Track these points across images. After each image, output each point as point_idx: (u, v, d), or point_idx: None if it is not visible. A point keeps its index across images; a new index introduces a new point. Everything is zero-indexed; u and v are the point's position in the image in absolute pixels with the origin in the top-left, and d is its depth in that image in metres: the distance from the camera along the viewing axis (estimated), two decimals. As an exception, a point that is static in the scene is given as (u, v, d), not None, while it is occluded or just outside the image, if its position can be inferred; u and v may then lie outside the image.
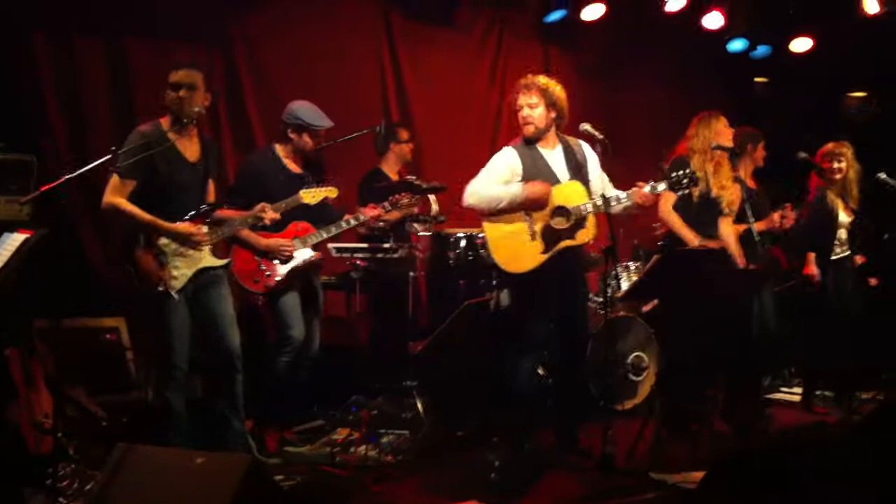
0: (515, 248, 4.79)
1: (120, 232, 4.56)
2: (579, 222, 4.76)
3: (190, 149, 4.58)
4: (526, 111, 4.86)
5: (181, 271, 4.48)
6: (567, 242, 4.77)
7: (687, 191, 4.88)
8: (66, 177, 4.07)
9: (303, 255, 5.19)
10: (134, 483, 3.40)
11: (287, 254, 5.13)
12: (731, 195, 5.50)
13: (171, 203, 4.49)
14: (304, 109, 5.25)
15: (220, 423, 4.68)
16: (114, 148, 4.25)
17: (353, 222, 5.32)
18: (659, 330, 5.77)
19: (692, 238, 5.37)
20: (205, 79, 4.55)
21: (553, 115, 4.87)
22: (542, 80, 4.87)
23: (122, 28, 6.09)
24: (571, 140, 4.96)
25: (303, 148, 5.29)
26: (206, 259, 4.57)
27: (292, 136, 5.27)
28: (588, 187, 4.84)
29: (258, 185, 5.10)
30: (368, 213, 5.37)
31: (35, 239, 4.14)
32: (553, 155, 4.91)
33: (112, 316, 5.56)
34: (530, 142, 4.90)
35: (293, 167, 5.33)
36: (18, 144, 5.35)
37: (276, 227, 5.10)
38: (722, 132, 5.47)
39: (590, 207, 4.72)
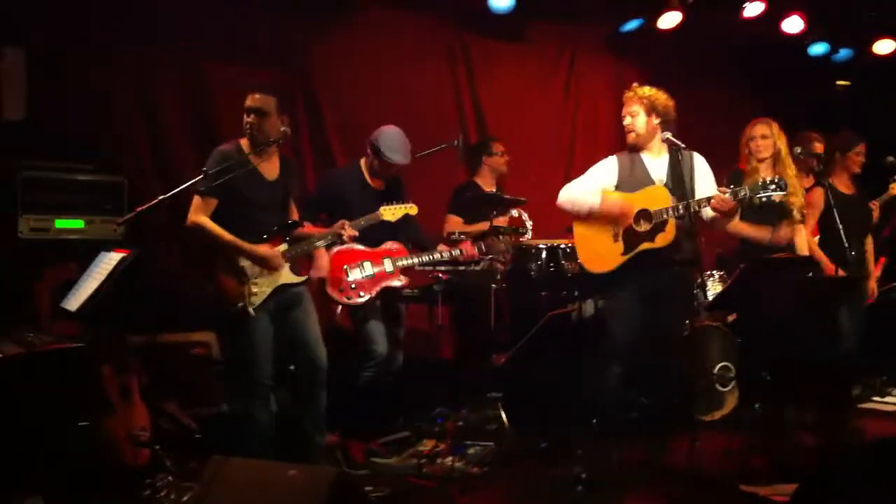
0: (598, 248, 4.87)
1: (202, 250, 4.64)
2: (659, 225, 4.73)
3: (269, 167, 4.66)
4: (627, 120, 4.93)
5: (260, 289, 4.54)
6: (646, 245, 4.75)
7: (770, 197, 4.79)
8: (160, 198, 4.22)
9: (391, 277, 5.28)
10: (229, 494, 3.48)
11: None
12: (799, 201, 5.46)
13: (250, 220, 4.56)
14: (385, 137, 5.33)
15: (302, 437, 4.73)
16: (204, 169, 4.39)
17: (446, 256, 5.39)
18: (745, 340, 5.67)
19: (763, 235, 5.40)
20: (278, 103, 4.61)
21: (656, 121, 4.86)
22: (645, 89, 4.91)
23: (203, 52, 6.25)
24: (687, 152, 4.90)
25: (376, 170, 5.40)
26: (285, 276, 4.63)
27: (371, 155, 5.38)
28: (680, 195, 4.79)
29: (338, 197, 5.20)
30: (466, 251, 5.42)
31: (131, 258, 4.29)
32: (656, 162, 4.90)
33: (202, 330, 5.70)
34: (634, 150, 4.93)
35: (376, 184, 5.41)
36: (107, 166, 5.55)
37: (370, 244, 5.18)
38: (756, 139, 5.43)
39: (671, 211, 4.69)
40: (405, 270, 5.39)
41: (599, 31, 8.04)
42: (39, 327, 4.36)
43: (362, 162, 5.49)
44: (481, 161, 6.62)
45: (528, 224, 6.30)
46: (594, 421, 4.85)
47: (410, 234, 5.46)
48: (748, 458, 4.75)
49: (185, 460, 4.50)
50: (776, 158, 5.45)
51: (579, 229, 4.96)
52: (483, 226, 5.99)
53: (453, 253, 5.41)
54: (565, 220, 5.16)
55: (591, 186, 4.89)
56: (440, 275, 5.94)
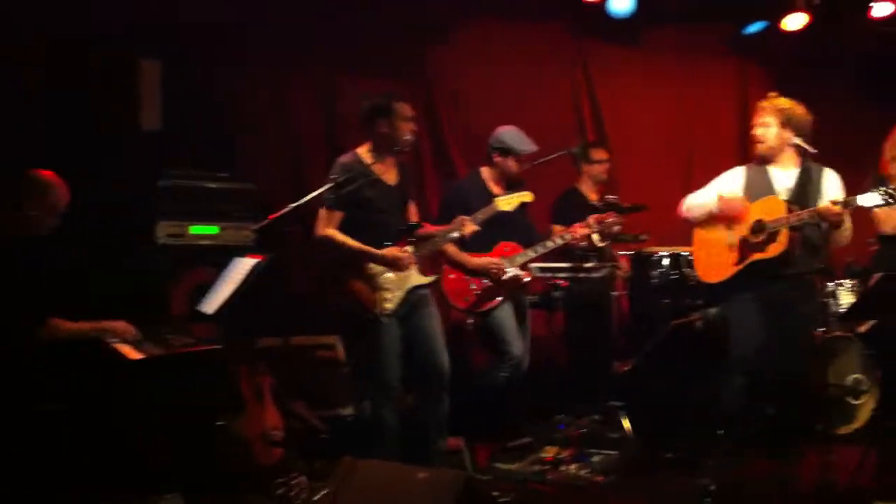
0: (712, 258, 4.84)
1: (333, 261, 4.75)
2: (772, 236, 4.62)
3: (388, 173, 4.76)
4: (759, 130, 4.82)
5: (393, 293, 4.62)
6: (757, 255, 4.66)
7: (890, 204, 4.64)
8: (291, 206, 4.36)
9: (513, 274, 5.29)
10: (359, 495, 3.56)
11: (496, 273, 5.25)
12: None
13: (375, 226, 4.66)
14: (509, 134, 5.41)
15: (424, 441, 4.77)
16: (334, 176, 4.51)
17: (559, 241, 5.38)
18: (879, 351, 5.48)
19: None
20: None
21: (788, 134, 4.75)
22: (781, 101, 4.80)
23: (331, 65, 6.41)
24: (823, 168, 4.80)
25: (507, 171, 5.44)
26: (414, 278, 4.71)
27: (497, 159, 5.43)
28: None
29: (463, 207, 5.25)
30: (577, 231, 5.39)
31: (263, 264, 4.43)
32: (784, 174, 4.79)
33: (328, 334, 5.82)
34: (763, 161, 4.83)
35: (497, 190, 5.45)
36: (240, 174, 5.74)
37: (485, 247, 5.23)
38: None
39: (783, 221, 4.58)
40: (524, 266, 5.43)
41: (722, 33, 7.87)
42: (177, 329, 4.52)
43: (483, 171, 5.55)
44: (581, 168, 6.57)
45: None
46: (720, 432, 4.75)
47: (533, 239, 5.47)
48: (883, 474, 4.58)
49: (315, 460, 4.59)
50: None
51: (698, 236, 4.95)
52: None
53: (565, 237, 5.39)
54: (685, 227, 5.09)
55: (714, 193, 4.84)
56: (560, 282, 5.93)
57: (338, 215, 4.63)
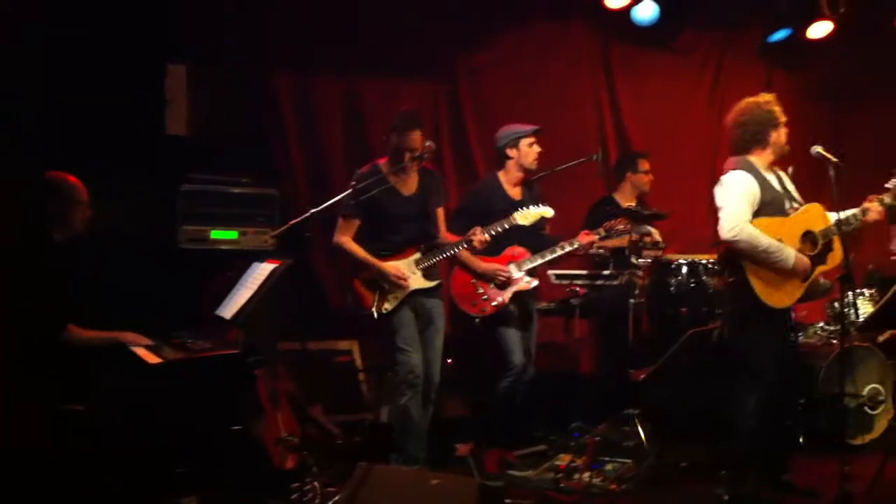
0: (776, 281, 4.48)
1: (345, 264, 5.04)
2: (827, 245, 4.56)
3: (406, 184, 4.95)
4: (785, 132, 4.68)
5: (393, 296, 4.87)
6: (822, 268, 4.56)
7: None
8: (311, 211, 4.42)
9: (519, 280, 5.32)
10: (374, 500, 3.59)
11: (503, 278, 5.31)
12: None
13: (389, 233, 4.92)
14: (511, 130, 5.54)
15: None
16: (353, 183, 4.58)
17: (567, 248, 5.40)
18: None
19: None
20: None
21: None
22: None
23: (355, 69, 6.46)
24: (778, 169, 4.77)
25: (524, 162, 5.49)
26: (416, 282, 4.90)
27: (511, 153, 5.50)
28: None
29: (482, 210, 5.31)
30: (583, 239, 5.42)
31: (282, 269, 4.47)
32: (772, 179, 4.67)
33: (346, 339, 5.87)
34: (753, 165, 4.61)
35: (514, 193, 5.49)
36: (262, 179, 5.80)
37: (493, 252, 5.26)
38: None
39: (833, 229, 4.52)
40: (534, 272, 5.45)
41: (748, 40, 7.84)
42: (197, 333, 4.58)
43: (500, 174, 5.60)
44: (625, 176, 6.57)
45: (657, 238, 6.20)
46: (735, 442, 4.73)
47: (545, 246, 5.48)
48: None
49: (331, 465, 4.64)
50: None
51: (755, 266, 4.46)
52: (621, 241, 5.95)
53: (573, 244, 5.40)
54: (706, 233, 5.06)
55: (750, 214, 4.49)
56: (577, 288, 5.94)
57: (354, 223, 4.85)
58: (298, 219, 4.49)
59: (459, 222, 5.31)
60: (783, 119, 4.65)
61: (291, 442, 4.51)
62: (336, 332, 5.96)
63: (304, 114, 6.38)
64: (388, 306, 4.84)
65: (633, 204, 6.39)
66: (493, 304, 5.34)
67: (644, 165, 6.59)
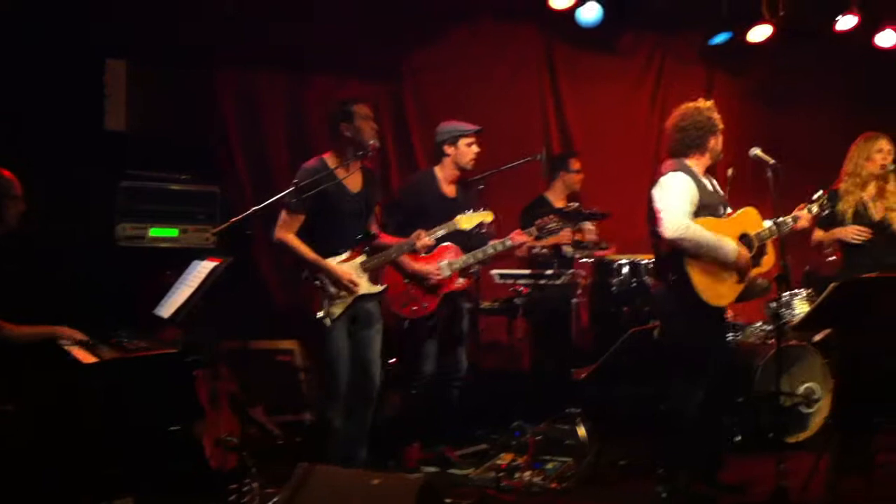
0: (715, 281, 4.54)
1: (289, 263, 4.83)
2: (762, 249, 4.65)
3: (353, 180, 4.76)
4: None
5: (341, 300, 4.66)
6: (757, 270, 4.66)
7: (829, 208, 4.74)
8: (254, 209, 4.35)
9: (451, 280, 5.29)
10: (314, 501, 3.56)
11: (434, 280, 5.24)
12: None
13: (335, 232, 4.69)
14: (449, 127, 5.49)
15: (343, 447, 4.77)
16: (296, 181, 4.51)
17: (499, 248, 5.33)
18: (834, 360, 5.56)
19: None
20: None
21: None
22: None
23: (299, 67, 6.41)
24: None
25: (461, 161, 5.44)
26: (364, 286, 4.72)
27: (449, 150, 5.45)
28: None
29: (415, 206, 5.29)
30: (516, 238, 5.36)
31: (223, 267, 4.41)
32: (708, 185, 4.75)
33: (288, 338, 5.82)
34: (690, 169, 4.67)
35: (449, 191, 5.47)
36: (203, 175, 5.71)
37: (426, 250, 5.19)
38: (874, 156, 5.27)
39: (767, 233, 4.62)
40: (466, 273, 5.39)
41: (689, 43, 7.95)
42: (135, 332, 4.50)
43: (436, 169, 5.55)
44: (558, 176, 6.61)
45: (593, 237, 6.25)
46: (673, 440, 4.78)
47: (474, 244, 5.42)
48: (835, 481, 4.64)
49: (270, 466, 4.59)
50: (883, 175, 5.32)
51: (694, 262, 4.52)
52: (561, 239, 5.99)
53: (506, 244, 5.33)
54: (647, 234, 5.08)
55: (690, 213, 4.54)
56: (521, 288, 5.96)
57: (298, 219, 4.63)
58: (240, 216, 4.40)
59: (394, 217, 5.27)
60: (721, 126, 4.72)
61: (231, 442, 4.45)
62: (278, 332, 5.90)
63: (246, 111, 6.32)
64: (335, 311, 4.64)
65: (566, 203, 6.43)
66: (425, 305, 5.27)
67: (575, 165, 6.65)
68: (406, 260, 5.16)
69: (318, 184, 4.56)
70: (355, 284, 4.67)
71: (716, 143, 4.70)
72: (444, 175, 5.52)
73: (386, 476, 3.65)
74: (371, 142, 4.70)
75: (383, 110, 6.79)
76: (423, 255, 5.18)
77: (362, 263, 4.73)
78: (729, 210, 4.74)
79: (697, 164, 4.69)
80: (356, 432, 4.80)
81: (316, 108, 6.38)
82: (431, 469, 5.25)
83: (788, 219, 4.72)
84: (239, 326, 5.08)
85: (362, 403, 4.80)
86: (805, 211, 4.77)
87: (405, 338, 5.40)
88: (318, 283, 4.63)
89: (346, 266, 4.69)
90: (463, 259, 5.31)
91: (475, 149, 5.47)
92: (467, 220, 5.14)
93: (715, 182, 4.83)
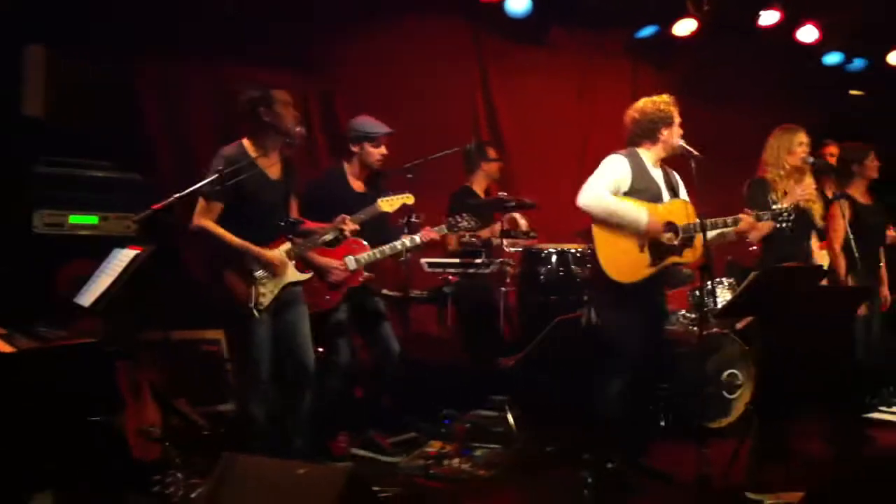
0: (623, 257, 4.71)
1: (210, 252, 4.65)
2: (687, 240, 4.74)
3: (272, 168, 4.67)
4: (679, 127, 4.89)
5: (268, 289, 4.57)
6: (674, 258, 4.76)
7: (787, 224, 4.86)
8: (176, 196, 4.25)
9: (356, 276, 5.22)
10: (239, 492, 3.51)
11: (337, 277, 5.15)
12: (819, 209, 5.49)
13: (256, 221, 4.58)
14: (361, 121, 5.41)
15: (281, 436, 4.73)
16: (220, 168, 4.42)
17: (408, 244, 5.27)
18: (754, 347, 5.68)
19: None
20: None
21: None
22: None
23: (222, 53, 6.30)
24: (669, 169, 4.97)
25: (367, 160, 5.40)
26: (291, 274, 4.66)
27: (355, 149, 5.40)
28: None
29: (322, 202, 5.15)
30: (425, 236, 5.31)
31: (145, 255, 4.32)
32: (657, 172, 4.89)
33: (213, 328, 5.72)
34: (638, 155, 4.85)
35: (357, 186, 5.43)
36: (124, 163, 5.58)
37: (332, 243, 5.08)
38: (795, 149, 5.40)
39: (698, 227, 4.67)
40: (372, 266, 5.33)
41: (617, 36, 8.04)
42: (54, 322, 4.38)
43: (345, 165, 5.48)
44: (479, 166, 6.62)
45: (523, 227, 6.29)
46: (600, 426, 4.84)
47: (388, 236, 5.36)
48: (755, 466, 4.74)
49: (194, 457, 4.52)
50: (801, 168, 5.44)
51: (602, 234, 4.73)
52: (485, 232, 6.01)
53: (414, 240, 5.28)
54: (576, 224, 5.14)
55: (610, 186, 4.71)
56: (450, 277, 5.98)
57: (217, 206, 4.51)
58: (162, 204, 4.29)
59: (305, 212, 5.20)
60: (678, 119, 4.87)
61: (153, 433, 4.36)
62: (202, 321, 5.80)
63: (169, 98, 6.18)
64: (263, 301, 4.54)
65: (485, 192, 6.53)
66: (327, 298, 5.16)
67: (493, 154, 6.70)
68: (312, 254, 5.02)
69: (238, 172, 4.47)
70: (284, 271, 4.61)
71: (669, 134, 4.84)
72: (352, 170, 5.47)
73: (312, 466, 3.61)
74: (298, 129, 4.63)
75: (313, 103, 6.73)
76: (332, 248, 5.10)
77: (288, 251, 4.65)
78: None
79: (649, 153, 4.86)
80: (293, 420, 4.74)
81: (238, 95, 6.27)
82: (363, 453, 5.25)
83: (729, 219, 4.80)
84: (162, 316, 4.98)
85: (299, 391, 4.73)
86: (752, 217, 4.83)
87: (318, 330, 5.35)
88: (252, 270, 4.52)
89: (274, 253, 4.60)
90: (367, 255, 5.23)
91: (383, 150, 5.40)
92: (388, 204, 5.12)
93: (674, 175, 4.96)
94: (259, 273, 4.55)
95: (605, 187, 4.69)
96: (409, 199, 5.22)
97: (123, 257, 4.38)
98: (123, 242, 4.62)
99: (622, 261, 4.71)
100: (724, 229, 4.81)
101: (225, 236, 4.51)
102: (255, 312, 4.51)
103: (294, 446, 4.74)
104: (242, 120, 4.68)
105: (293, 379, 4.74)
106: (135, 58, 5.99)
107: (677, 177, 5.00)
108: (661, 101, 4.86)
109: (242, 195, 4.53)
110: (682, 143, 4.82)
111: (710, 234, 4.70)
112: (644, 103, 4.88)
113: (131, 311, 4.54)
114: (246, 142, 4.65)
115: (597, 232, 4.73)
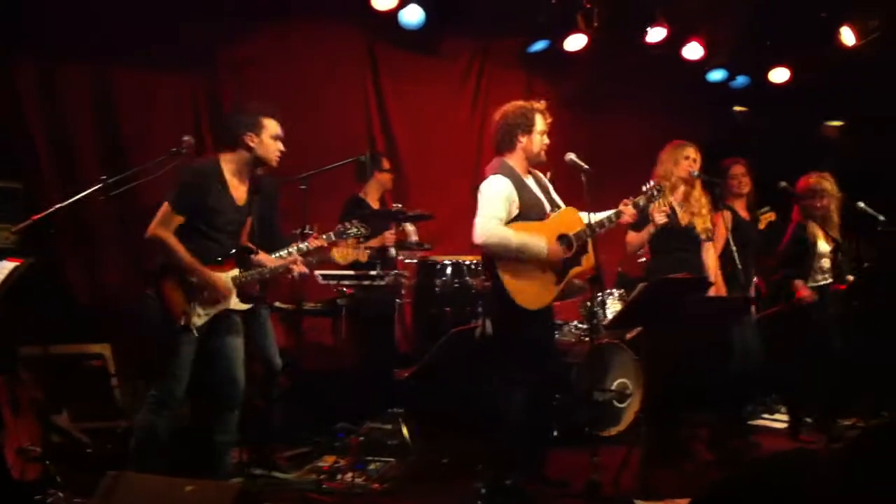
0: (531, 285, 4.60)
1: (156, 260, 4.41)
2: (581, 248, 4.74)
3: (239, 190, 4.52)
4: (546, 139, 4.79)
5: (205, 310, 4.40)
6: (576, 270, 4.73)
7: (657, 200, 4.95)
8: (57, 206, 4.12)
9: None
10: (124, 510, 3.41)
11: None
12: (705, 222, 5.59)
13: (209, 240, 4.42)
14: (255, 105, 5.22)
15: (212, 454, 4.55)
16: (104, 177, 4.28)
17: (294, 252, 4.82)
18: (643, 357, 5.81)
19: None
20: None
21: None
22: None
23: (105, 56, 6.12)
24: (537, 173, 4.94)
25: (259, 156, 4.94)
26: (232, 302, 4.49)
27: (252, 137, 5.10)
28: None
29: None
30: (312, 243, 4.95)
31: (24, 267, 4.16)
32: (531, 182, 4.83)
33: (98, 342, 5.55)
34: (512, 169, 4.73)
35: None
36: (3, 172, 5.38)
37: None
38: (681, 162, 5.54)
39: (587, 232, 4.70)
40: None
41: (510, 48, 8.13)
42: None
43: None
44: (372, 175, 6.54)
45: (414, 238, 6.29)
46: (498, 437, 4.85)
47: (279, 244, 4.99)
48: (644, 473, 4.84)
49: (75, 475, 4.36)
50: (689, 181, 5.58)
51: (506, 268, 4.55)
52: (375, 241, 5.96)
53: (300, 248, 4.80)
54: (470, 235, 5.12)
55: (502, 214, 4.58)
56: (344, 289, 5.93)
57: (178, 219, 4.32)
58: (43, 214, 4.14)
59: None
60: (540, 127, 4.76)
61: (33, 452, 4.22)
62: (86, 335, 5.61)
63: (48, 102, 5.96)
64: (197, 320, 4.35)
65: (380, 202, 6.50)
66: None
67: (386, 164, 6.68)
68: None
69: (205, 187, 4.33)
70: (227, 297, 4.45)
71: (528, 142, 4.73)
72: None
73: (201, 483, 3.53)
74: (185, 138, 4.52)
75: (201, 105, 6.59)
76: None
77: (234, 278, 4.47)
78: (557, 209, 4.83)
79: (514, 161, 4.75)
80: (223, 439, 4.56)
81: (125, 102, 6.12)
82: (258, 471, 5.11)
83: (612, 214, 4.84)
84: (43, 330, 4.78)
85: (228, 410, 4.55)
86: (630, 206, 4.90)
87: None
88: (194, 287, 4.33)
89: (221, 277, 4.42)
90: (256, 272, 4.73)
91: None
92: (342, 255, 5.02)
93: (545, 180, 4.94)
94: (200, 292, 4.37)
95: (498, 219, 4.56)
96: (363, 256, 5.17)
97: (1, 270, 4.21)
98: (1, 254, 4.45)
99: (531, 290, 4.61)
100: (609, 225, 4.83)
101: (179, 252, 4.29)
102: (192, 330, 4.33)
103: (224, 462, 4.57)
104: (225, 137, 4.52)
105: (225, 397, 4.53)
106: (10, 60, 5.77)
107: (545, 179, 4.96)
108: (526, 106, 4.75)
109: (204, 211, 4.37)
110: (573, 157, 4.82)
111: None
112: (509, 106, 4.77)
113: (9, 325, 4.37)
114: (223, 156, 4.49)
115: (500, 266, 4.58)
